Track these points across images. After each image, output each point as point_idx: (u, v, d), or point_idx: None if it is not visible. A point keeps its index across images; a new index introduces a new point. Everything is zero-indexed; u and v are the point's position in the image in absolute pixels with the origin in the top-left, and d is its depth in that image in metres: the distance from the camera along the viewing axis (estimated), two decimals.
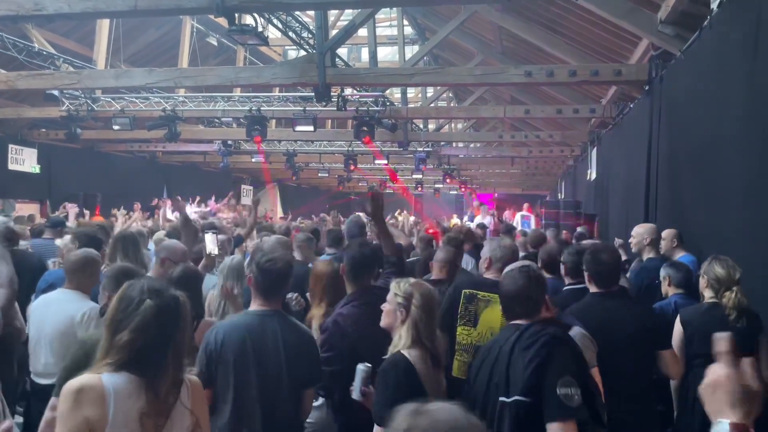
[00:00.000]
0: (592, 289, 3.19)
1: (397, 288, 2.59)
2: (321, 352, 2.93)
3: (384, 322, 2.62)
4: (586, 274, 3.21)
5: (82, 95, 10.69)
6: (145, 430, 1.81)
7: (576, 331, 2.68)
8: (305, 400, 2.80)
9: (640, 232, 4.88)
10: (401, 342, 2.48)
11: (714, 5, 4.59)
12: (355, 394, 2.61)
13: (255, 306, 2.77)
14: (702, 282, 3.41)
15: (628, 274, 4.83)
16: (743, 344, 3.08)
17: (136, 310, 1.84)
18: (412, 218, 21.92)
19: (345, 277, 3.24)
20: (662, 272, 3.93)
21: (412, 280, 2.66)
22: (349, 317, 3.05)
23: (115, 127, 10.90)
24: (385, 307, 2.63)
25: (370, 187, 5.97)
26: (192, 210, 14.77)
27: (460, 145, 17.75)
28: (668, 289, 3.88)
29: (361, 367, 2.62)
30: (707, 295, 3.36)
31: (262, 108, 10.63)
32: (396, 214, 14.55)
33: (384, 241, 3.61)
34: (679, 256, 4.58)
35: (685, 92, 5.51)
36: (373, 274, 3.33)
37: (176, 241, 4.28)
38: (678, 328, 3.38)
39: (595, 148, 11.42)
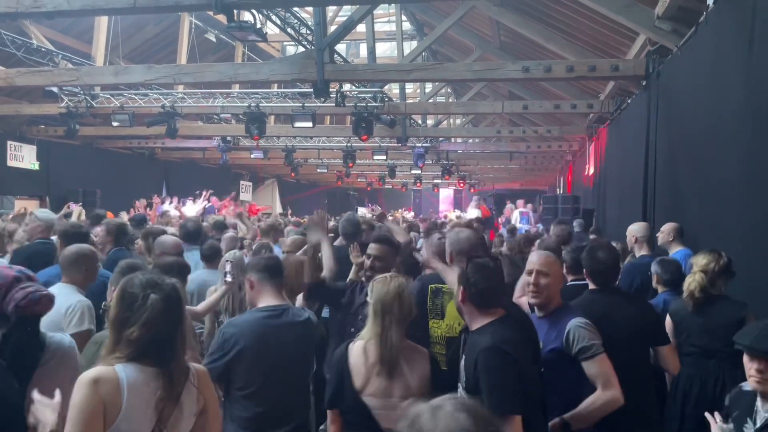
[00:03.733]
0: (591, 286, 3.22)
1: (370, 286, 2.67)
2: None
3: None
4: (584, 271, 3.25)
5: (81, 92, 10.68)
6: (160, 416, 1.88)
7: (575, 321, 2.70)
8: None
9: (632, 229, 4.92)
10: (361, 335, 2.59)
11: (710, 1, 4.61)
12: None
13: (266, 302, 2.84)
14: None
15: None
16: (709, 333, 3.19)
17: (143, 305, 1.89)
18: (410, 215, 22.04)
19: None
20: (652, 269, 4.01)
21: (379, 277, 2.66)
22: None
23: (114, 124, 10.90)
24: None
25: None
26: (195, 208, 14.81)
27: (459, 140, 17.75)
28: (657, 287, 3.96)
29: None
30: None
31: (261, 104, 10.64)
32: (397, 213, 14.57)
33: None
34: (676, 250, 4.61)
35: (682, 87, 5.53)
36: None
37: (169, 236, 4.37)
38: (668, 322, 3.45)
39: (593, 143, 11.45)
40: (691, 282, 3.29)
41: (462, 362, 2.51)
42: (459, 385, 2.52)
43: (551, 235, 6.73)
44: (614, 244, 5.50)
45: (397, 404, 2.42)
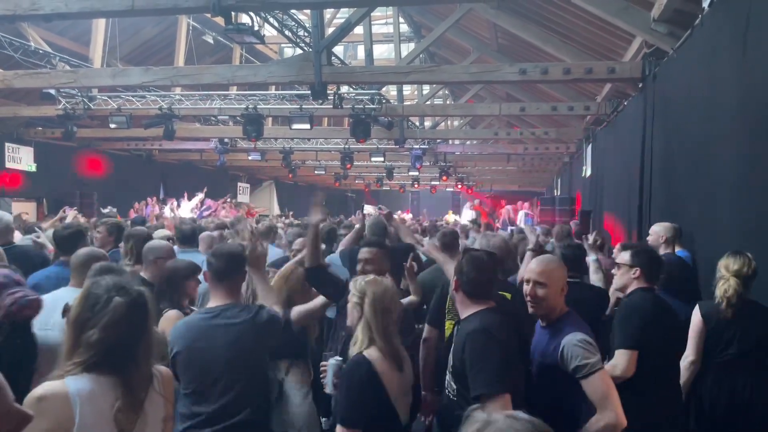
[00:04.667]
0: (642, 284, 3.15)
1: (354, 286, 2.59)
2: None
3: (348, 320, 2.61)
4: (638, 270, 3.15)
5: (79, 94, 10.69)
6: (120, 427, 1.79)
7: (570, 339, 2.51)
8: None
9: (657, 230, 4.84)
10: (358, 342, 2.48)
11: (705, 4, 4.64)
12: (328, 389, 2.65)
13: (215, 302, 2.77)
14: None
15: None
16: (737, 340, 3.17)
17: (104, 308, 1.81)
18: (408, 216, 22.06)
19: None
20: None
21: (369, 277, 2.63)
22: None
23: (112, 126, 10.91)
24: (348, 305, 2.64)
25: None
26: (189, 208, 14.82)
27: (456, 142, 17.79)
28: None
29: (332, 361, 2.65)
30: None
31: (258, 106, 10.66)
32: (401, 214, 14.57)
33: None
34: (666, 252, 4.61)
35: (678, 89, 5.56)
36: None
37: (159, 241, 4.35)
38: (698, 322, 3.32)
39: (590, 145, 11.48)
40: (728, 288, 3.16)
41: (451, 349, 2.55)
42: (447, 372, 2.54)
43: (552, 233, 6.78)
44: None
45: (407, 399, 2.53)
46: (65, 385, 1.74)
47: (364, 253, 3.55)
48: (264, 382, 2.85)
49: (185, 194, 15.87)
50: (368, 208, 13.66)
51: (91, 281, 1.93)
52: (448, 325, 3.37)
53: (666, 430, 2.92)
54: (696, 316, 3.32)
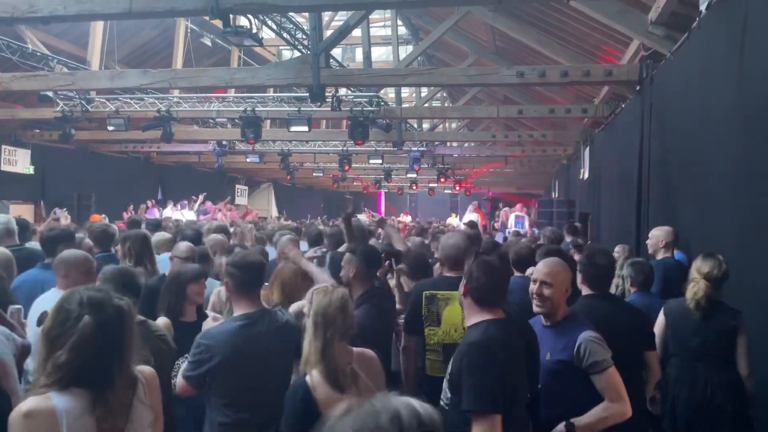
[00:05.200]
0: (585, 291, 3.22)
1: (309, 294, 2.47)
2: None
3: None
4: (579, 276, 3.23)
5: (77, 96, 10.68)
6: None
7: (587, 336, 2.67)
8: None
9: (656, 234, 4.87)
10: (305, 358, 2.34)
11: (702, 7, 4.66)
12: None
13: (241, 309, 2.73)
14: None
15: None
16: (711, 339, 3.22)
17: (74, 326, 1.72)
18: (408, 218, 22.08)
19: (354, 279, 3.27)
20: (624, 272, 4.05)
21: (325, 285, 2.54)
22: (365, 319, 3.11)
23: (110, 128, 10.90)
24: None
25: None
26: (193, 211, 14.82)
27: (454, 144, 17.80)
28: (630, 289, 4.02)
29: None
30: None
31: (256, 108, 10.66)
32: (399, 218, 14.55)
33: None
34: (664, 256, 4.63)
35: (675, 92, 5.58)
36: (375, 274, 3.45)
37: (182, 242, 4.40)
38: (660, 322, 3.48)
39: (587, 148, 11.50)
40: (698, 291, 3.26)
41: (453, 355, 2.50)
42: (444, 378, 2.50)
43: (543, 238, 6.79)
44: (617, 249, 5.56)
45: None
46: (50, 399, 1.68)
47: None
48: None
49: (191, 199, 15.89)
50: (361, 218, 13.69)
51: (67, 293, 1.83)
52: (427, 331, 3.39)
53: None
54: (660, 316, 3.48)
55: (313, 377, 2.27)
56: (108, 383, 1.74)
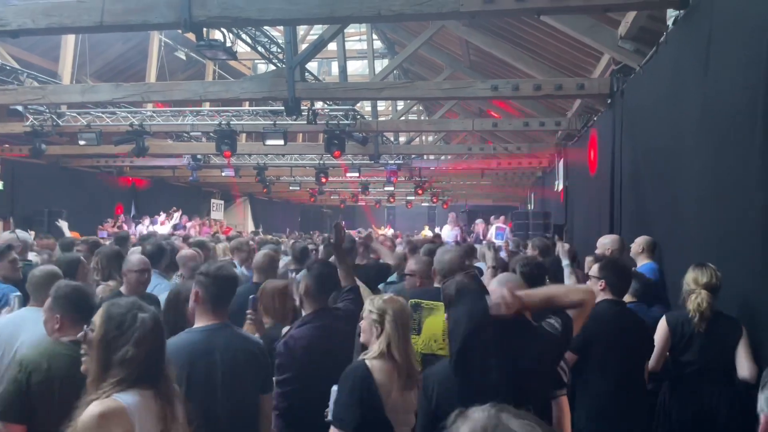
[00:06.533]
0: (604, 296, 3.32)
1: (371, 305, 2.72)
2: (276, 375, 2.93)
3: (363, 338, 2.74)
4: (602, 282, 3.34)
5: (47, 110, 10.51)
6: None
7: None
8: (264, 406, 2.79)
9: (604, 242, 4.98)
10: (370, 353, 2.60)
11: (669, 22, 4.78)
12: (330, 416, 2.62)
13: (203, 321, 2.69)
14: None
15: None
16: (709, 351, 3.21)
17: (132, 324, 1.90)
18: (390, 231, 22.09)
19: (304, 297, 3.24)
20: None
21: (386, 296, 2.80)
22: (301, 339, 3.03)
23: (81, 143, 10.75)
24: (362, 323, 2.75)
25: (335, 224, 5.74)
26: (166, 224, 14.64)
27: (431, 157, 17.92)
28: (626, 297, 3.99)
29: (335, 388, 2.62)
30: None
31: (231, 122, 10.61)
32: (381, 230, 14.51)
33: (342, 271, 3.58)
34: (643, 263, 4.71)
35: (645, 105, 5.69)
36: (329, 295, 3.37)
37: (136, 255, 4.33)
38: (664, 331, 3.39)
39: (561, 160, 11.66)
40: (701, 302, 3.21)
41: None
42: None
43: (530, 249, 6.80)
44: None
45: (409, 417, 2.56)
46: (117, 400, 1.80)
47: None
48: (253, 413, 2.77)
49: (169, 213, 15.71)
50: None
51: (107, 303, 2.00)
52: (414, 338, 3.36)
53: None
54: (662, 327, 3.39)
55: (374, 364, 2.55)
56: (165, 376, 1.95)
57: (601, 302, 3.24)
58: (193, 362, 2.56)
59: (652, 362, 3.34)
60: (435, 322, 3.28)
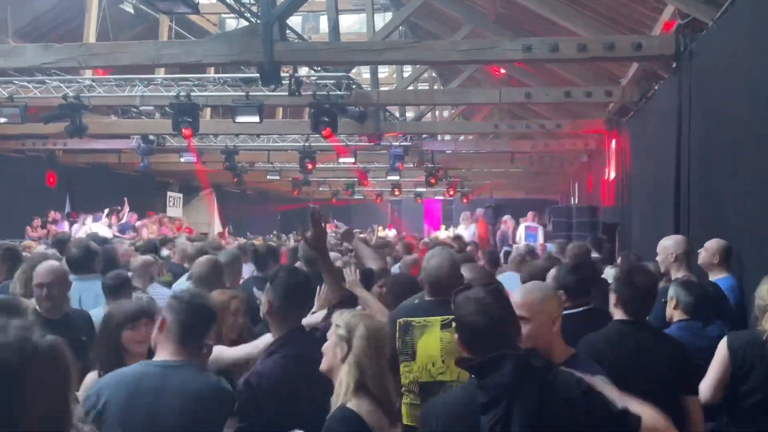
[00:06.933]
0: (618, 315, 3.27)
1: (339, 318, 2.65)
2: (238, 422, 2.91)
3: (323, 364, 2.65)
4: (613, 297, 3.30)
5: None
6: None
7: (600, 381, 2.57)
8: None
9: (666, 245, 4.94)
10: (342, 389, 2.51)
11: None
12: None
13: (163, 355, 2.71)
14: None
15: None
16: None
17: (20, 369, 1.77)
18: (392, 232, 22.08)
19: (269, 317, 3.23)
20: (670, 291, 4.03)
21: (358, 311, 2.78)
22: (267, 376, 3.00)
23: (1, 120, 10.76)
24: (325, 345, 2.68)
25: (311, 210, 5.61)
26: (103, 225, 14.68)
27: (447, 138, 17.89)
28: (673, 314, 3.97)
29: None
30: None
31: (192, 94, 10.61)
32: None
33: (329, 281, 3.60)
34: (719, 276, 4.69)
35: (720, 69, 5.67)
36: (304, 312, 3.37)
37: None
38: (723, 356, 3.39)
39: (613, 141, 11.64)
40: None
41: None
42: None
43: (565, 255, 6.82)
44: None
45: None
46: None
47: None
48: None
49: (115, 210, 15.77)
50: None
51: None
52: (402, 368, 3.39)
53: None
54: (722, 350, 3.39)
55: (360, 406, 2.47)
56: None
57: (612, 323, 3.26)
58: (133, 404, 2.56)
59: (705, 393, 3.30)
60: (430, 342, 3.31)
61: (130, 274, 5.09)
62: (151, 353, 2.97)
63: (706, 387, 3.35)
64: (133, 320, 3.17)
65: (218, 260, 4.97)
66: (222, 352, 3.37)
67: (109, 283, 4.50)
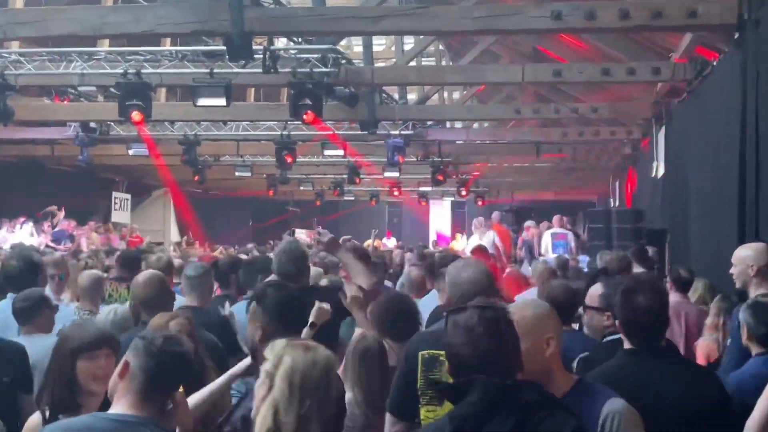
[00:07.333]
0: (626, 344, 3.25)
1: (271, 348, 2.57)
2: None
3: (254, 402, 2.58)
4: (616, 322, 3.29)
5: None
6: None
7: (618, 405, 2.68)
8: None
9: (743, 256, 4.91)
10: None
11: None
12: None
13: (121, 407, 2.71)
14: None
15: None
16: None
17: None
18: (391, 242, 22.05)
19: (261, 345, 3.23)
20: (740, 315, 4.02)
21: (300, 341, 2.65)
22: None
23: None
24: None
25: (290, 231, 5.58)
26: (25, 233, 14.71)
27: (458, 125, 17.90)
28: (748, 344, 3.96)
29: None
30: None
31: (143, 71, 10.62)
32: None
33: (359, 271, 3.61)
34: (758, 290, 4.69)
35: None
36: (297, 333, 3.39)
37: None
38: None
39: (662, 129, 11.66)
40: None
41: None
42: None
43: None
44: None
45: None
46: None
47: None
48: None
49: (50, 215, 15.80)
50: (299, 235, 13.70)
51: None
52: (424, 413, 3.40)
53: None
54: None
55: None
56: None
57: (617, 354, 3.26)
58: None
59: (754, 426, 3.29)
60: None
61: (47, 291, 5.11)
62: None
63: (753, 422, 3.34)
64: (92, 348, 3.14)
65: (163, 277, 4.92)
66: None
67: (21, 306, 4.49)
